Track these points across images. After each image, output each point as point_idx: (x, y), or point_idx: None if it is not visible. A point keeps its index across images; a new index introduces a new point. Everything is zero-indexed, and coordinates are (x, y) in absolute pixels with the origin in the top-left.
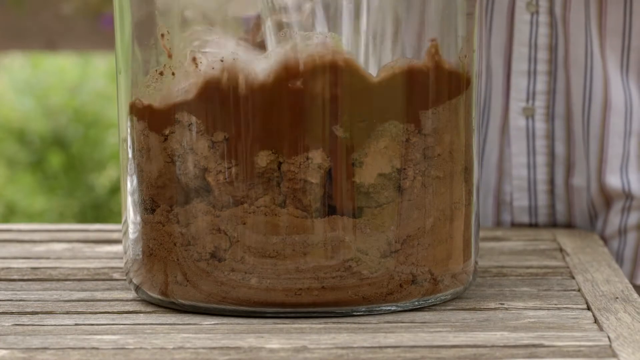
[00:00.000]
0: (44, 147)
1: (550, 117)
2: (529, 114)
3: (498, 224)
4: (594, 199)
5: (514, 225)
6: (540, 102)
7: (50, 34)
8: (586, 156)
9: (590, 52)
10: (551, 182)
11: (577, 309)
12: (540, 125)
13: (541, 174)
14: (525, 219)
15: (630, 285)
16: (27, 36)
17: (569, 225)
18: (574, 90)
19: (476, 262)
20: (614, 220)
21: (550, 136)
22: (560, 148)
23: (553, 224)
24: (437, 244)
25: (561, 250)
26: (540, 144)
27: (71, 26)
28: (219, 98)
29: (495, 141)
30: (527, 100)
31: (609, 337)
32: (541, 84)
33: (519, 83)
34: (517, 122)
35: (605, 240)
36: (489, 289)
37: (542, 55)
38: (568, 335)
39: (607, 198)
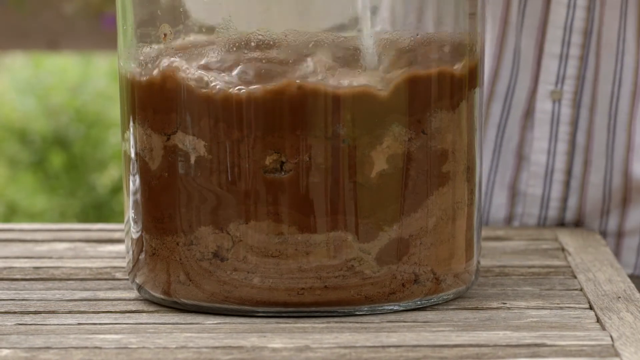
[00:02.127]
0: (46, 146)
1: (577, 103)
2: (556, 97)
3: (510, 217)
4: (613, 192)
5: (523, 220)
6: (568, 87)
7: (51, 34)
8: (611, 145)
9: (622, 37)
10: (568, 172)
11: (580, 308)
12: (565, 111)
13: (560, 163)
14: (535, 210)
15: (632, 285)
16: (28, 36)
17: (576, 223)
18: (604, 75)
19: (478, 262)
20: (636, 214)
21: (574, 123)
22: (581, 138)
23: (561, 219)
24: (440, 244)
25: (563, 249)
26: (564, 130)
27: (73, 26)
28: (221, 98)
29: (516, 127)
30: (556, 83)
31: (611, 337)
32: (572, 69)
33: (550, 66)
34: (544, 105)
35: (622, 235)
36: (491, 288)
37: (576, 39)
38: (570, 335)
39: (628, 191)
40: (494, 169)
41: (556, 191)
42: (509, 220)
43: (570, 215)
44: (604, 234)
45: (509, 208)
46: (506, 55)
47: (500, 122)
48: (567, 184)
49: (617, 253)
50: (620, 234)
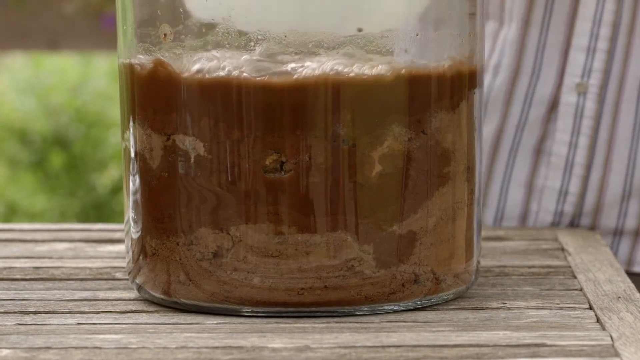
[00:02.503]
0: (45, 146)
1: (601, 98)
2: (581, 90)
3: (525, 214)
4: (633, 189)
5: (539, 217)
6: (594, 81)
7: (51, 34)
8: (636, 136)
9: None
10: (588, 167)
11: (580, 308)
12: (590, 105)
13: (580, 157)
14: (551, 205)
15: (632, 285)
16: (28, 36)
17: (592, 223)
18: (634, 61)
19: (478, 262)
20: None
21: (598, 118)
22: (604, 134)
23: (577, 215)
24: (440, 244)
25: (563, 249)
26: (586, 124)
27: (73, 26)
28: (222, 98)
29: (537, 123)
30: (582, 76)
31: (611, 337)
32: (598, 62)
33: (577, 58)
34: (569, 97)
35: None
36: (491, 288)
37: (605, 32)
38: (570, 335)
39: None
40: (510, 167)
41: (574, 185)
42: (523, 217)
43: (586, 211)
44: (620, 233)
45: (525, 205)
46: (527, 55)
47: (519, 122)
48: (585, 179)
49: (632, 252)
50: (638, 233)
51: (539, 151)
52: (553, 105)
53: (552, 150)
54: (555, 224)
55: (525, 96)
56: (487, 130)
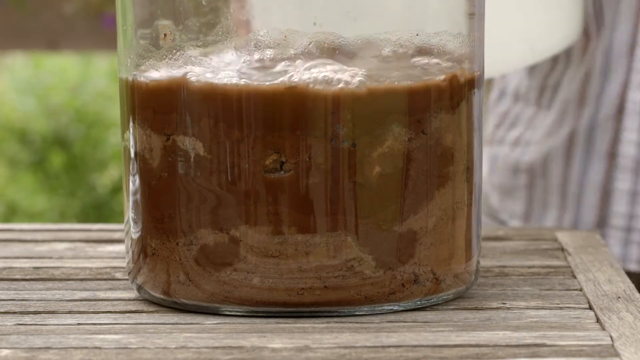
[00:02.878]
0: (45, 146)
1: None
2: None
3: (601, 217)
4: None
5: (612, 221)
6: None
7: (51, 34)
8: None
9: None
10: None
11: (579, 308)
12: None
13: None
14: (622, 208)
15: (632, 285)
16: (28, 36)
17: None
18: None
19: (478, 262)
20: None
21: None
22: None
23: None
24: (440, 244)
25: (563, 249)
26: None
27: (73, 26)
28: (222, 99)
29: (607, 126)
30: None
31: (611, 337)
32: None
33: None
34: (635, 95)
35: None
36: (491, 288)
37: None
38: (570, 335)
39: None
40: (584, 170)
41: None
42: (598, 221)
43: None
44: None
45: (600, 209)
46: (598, 57)
47: (591, 123)
48: None
49: None
50: None
51: (611, 154)
52: (621, 105)
53: (621, 150)
54: (627, 229)
55: (597, 98)
56: (561, 133)
